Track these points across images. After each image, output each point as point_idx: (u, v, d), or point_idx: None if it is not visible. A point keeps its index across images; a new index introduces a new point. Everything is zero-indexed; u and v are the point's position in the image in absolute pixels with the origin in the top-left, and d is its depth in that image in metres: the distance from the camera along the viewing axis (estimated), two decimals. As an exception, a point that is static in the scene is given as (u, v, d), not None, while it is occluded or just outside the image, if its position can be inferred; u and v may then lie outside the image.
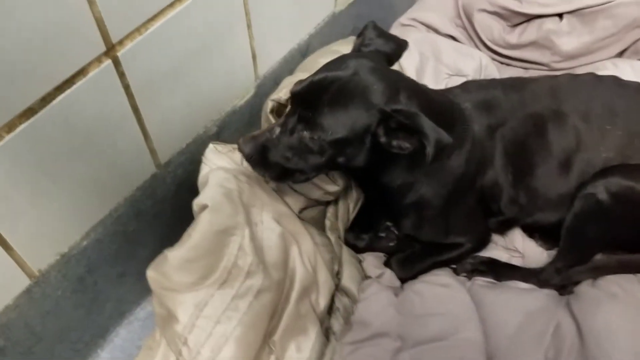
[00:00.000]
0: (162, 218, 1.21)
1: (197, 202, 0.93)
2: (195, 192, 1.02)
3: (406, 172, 1.06)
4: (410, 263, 1.19)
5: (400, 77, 1.02)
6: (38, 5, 0.73)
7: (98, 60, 0.86)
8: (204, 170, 1.05)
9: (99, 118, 0.92)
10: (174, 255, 0.89)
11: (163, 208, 1.20)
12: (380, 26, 1.13)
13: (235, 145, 1.11)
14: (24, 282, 0.96)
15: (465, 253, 1.19)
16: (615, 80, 1.19)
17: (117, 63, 0.89)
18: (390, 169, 1.06)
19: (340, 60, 0.99)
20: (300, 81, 0.97)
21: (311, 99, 0.93)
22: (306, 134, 0.93)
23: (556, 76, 1.21)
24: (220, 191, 0.94)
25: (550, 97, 1.14)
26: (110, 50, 0.87)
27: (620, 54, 1.50)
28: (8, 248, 0.90)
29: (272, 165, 0.96)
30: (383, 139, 0.94)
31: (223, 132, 1.25)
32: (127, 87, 0.94)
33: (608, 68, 1.44)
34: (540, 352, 1.02)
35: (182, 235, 0.94)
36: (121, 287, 1.21)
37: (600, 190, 1.03)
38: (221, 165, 1.02)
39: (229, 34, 1.13)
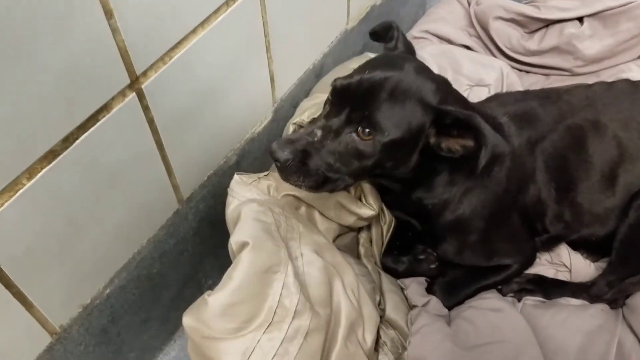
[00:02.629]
0: (185, 257, 1.14)
1: (235, 240, 0.85)
2: (217, 227, 0.95)
3: (444, 188, 1.01)
4: (455, 289, 1.12)
5: (447, 81, 0.98)
6: (62, 40, 0.66)
7: (122, 94, 0.79)
8: (233, 204, 0.97)
9: (122, 156, 0.85)
10: (215, 299, 0.81)
11: (185, 246, 1.13)
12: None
13: (261, 175, 1.05)
14: (45, 340, 0.88)
15: (512, 275, 1.13)
16: (628, 83, 1.15)
17: (141, 96, 0.82)
18: (430, 182, 1.00)
19: (387, 58, 0.95)
20: (344, 78, 0.90)
21: (365, 97, 0.87)
22: (355, 136, 0.87)
23: (590, 85, 1.16)
24: (258, 226, 0.86)
25: (588, 108, 1.09)
26: (134, 82, 0.80)
27: (644, 56, 1.47)
28: (28, 305, 0.82)
29: (311, 173, 0.89)
30: (433, 140, 0.89)
31: (243, 161, 1.19)
32: (151, 122, 0.87)
33: (633, 70, 1.40)
34: (607, 374, 0.95)
35: (213, 275, 0.86)
36: (145, 333, 1.13)
37: None
38: (251, 197, 0.95)
39: (249, 57, 1.07)
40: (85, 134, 0.75)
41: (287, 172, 0.88)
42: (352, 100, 0.88)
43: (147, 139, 0.88)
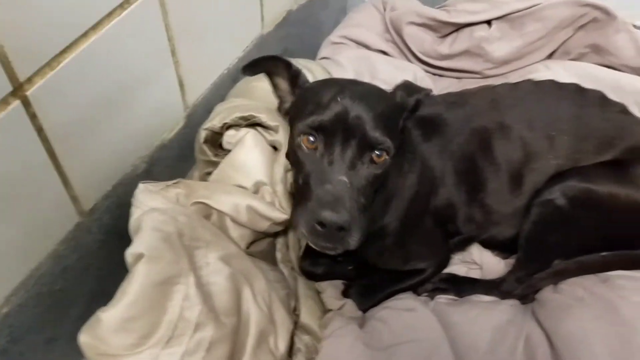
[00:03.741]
0: (91, 272, 1.08)
1: (130, 252, 0.82)
2: (126, 240, 0.91)
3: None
4: (370, 292, 1.13)
5: None
6: None
7: (5, 101, 0.74)
8: (136, 213, 0.93)
9: (10, 167, 0.79)
10: (109, 315, 0.77)
11: (90, 261, 1.07)
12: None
13: (170, 182, 1.02)
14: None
15: (426, 278, 1.15)
16: (553, 84, 1.19)
17: (27, 104, 0.78)
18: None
19: (333, 82, 0.97)
20: (319, 114, 0.85)
21: (355, 122, 0.84)
22: (371, 163, 0.86)
23: (495, 87, 1.20)
24: (157, 236, 0.83)
25: (493, 110, 1.12)
26: (18, 89, 0.75)
27: (550, 56, 1.53)
28: None
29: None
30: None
31: (153, 170, 1.15)
32: (40, 130, 0.82)
33: (540, 70, 1.45)
34: (515, 369, 0.98)
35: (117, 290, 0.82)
36: (52, 353, 1.06)
37: (557, 195, 1.01)
38: (155, 206, 0.92)
39: (153, 62, 1.03)
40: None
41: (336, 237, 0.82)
42: (345, 132, 0.84)
43: (37, 148, 0.83)
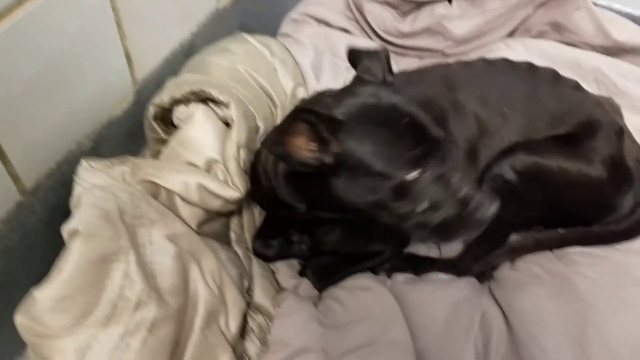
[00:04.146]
0: (36, 253, 1.03)
1: (66, 228, 0.78)
2: (72, 219, 0.87)
3: None
4: (328, 273, 1.11)
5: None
6: None
7: None
8: (77, 191, 0.89)
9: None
10: (44, 294, 0.73)
11: (36, 241, 1.03)
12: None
13: (116, 160, 0.98)
14: None
15: (384, 259, 1.13)
16: (506, 62, 1.18)
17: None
18: None
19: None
20: None
21: None
22: None
23: (449, 65, 1.18)
24: (95, 213, 0.79)
25: (446, 88, 1.10)
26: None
27: (511, 34, 1.52)
28: None
29: None
30: None
31: (100, 147, 1.10)
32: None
33: (501, 49, 1.44)
34: (470, 345, 0.97)
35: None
36: (-4, 338, 1.02)
37: (506, 169, 1.00)
38: (96, 183, 0.88)
39: (96, 34, 0.99)
40: None
41: None
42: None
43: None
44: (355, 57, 0.94)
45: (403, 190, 0.81)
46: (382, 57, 0.92)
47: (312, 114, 0.76)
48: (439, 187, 0.82)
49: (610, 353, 0.89)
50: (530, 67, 1.14)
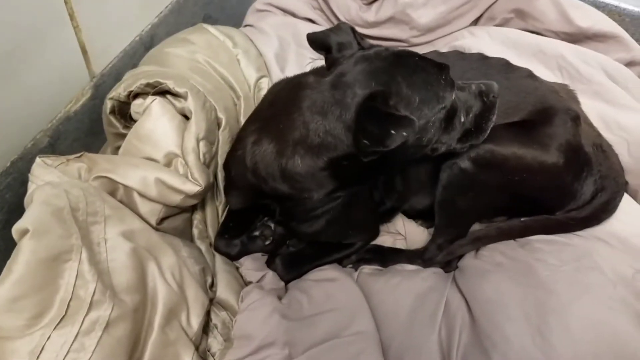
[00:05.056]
0: (-5, 255, 1.01)
1: (16, 227, 0.76)
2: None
3: None
4: (297, 264, 1.10)
5: None
6: None
7: None
8: (31, 188, 0.87)
9: None
10: (-6, 296, 0.71)
11: (-7, 242, 1.00)
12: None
13: (72, 156, 0.95)
14: None
15: (354, 251, 1.13)
16: (457, 54, 1.19)
17: None
18: None
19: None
20: None
21: None
22: None
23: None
24: (45, 210, 0.77)
25: None
26: None
27: (476, 22, 1.51)
28: None
29: None
30: None
31: (59, 143, 1.07)
32: None
33: (466, 37, 1.44)
34: (434, 333, 0.97)
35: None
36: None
37: (462, 158, 0.99)
38: (49, 181, 0.86)
39: (46, 27, 0.96)
40: None
41: None
42: None
43: None
44: (318, 39, 0.93)
45: (451, 113, 0.89)
46: (346, 28, 0.93)
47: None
48: (464, 94, 0.92)
49: (571, 338, 0.89)
50: (481, 57, 1.14)
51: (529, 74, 1.12)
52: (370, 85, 0.81)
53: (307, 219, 1.04)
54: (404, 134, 0.75)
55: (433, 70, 0.87)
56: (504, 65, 1.12)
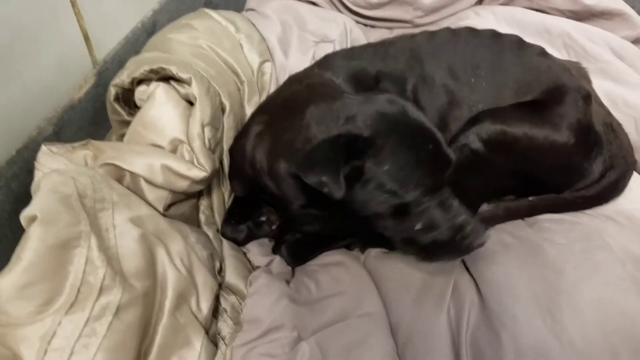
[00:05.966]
0: (3, 245, 1.01)
1: (24, 215, 0.76)
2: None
3: None
4: (302, 250, 1.10)
5: None
6: None
7: None
8: (37, 176, 0.87)
9: None
10: (4, 283, 0.71)
11: (2, 232, 1.00)
12: None
13: (77, 144, 0.95)
14: None
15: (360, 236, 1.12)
16: (470, 31, 1.17)
17: None
18: None
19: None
20: None
21: None
22: None
23: (414, 36, 1.16)
24: (53, 197, 0.77)
25: (414, 60, 1.09)
26: None
27: (480, 1, 1.50)
28: None
29: None
30: None
31: (63, 132, 1.07)
32: None
33: (470, 17, 1.43)
34: (443, 314, 0.97)
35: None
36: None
37: (473, 139, 0.99)
38: (56, 168, 0.86)
39: (48, 14, 0.95)
40: None
41: None
42: None
43: None
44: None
45: (405, 209, 0.84)
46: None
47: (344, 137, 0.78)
48: (439, 211, 0.85)
49: (580, 318, 0.89)
50: (494, 34, 1.13)
51: (542, 52, 1.11)
52: (359, 128, 0.81)
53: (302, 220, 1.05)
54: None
55: (425, 155, 0.83)
56: (516, 43, 1.11)
